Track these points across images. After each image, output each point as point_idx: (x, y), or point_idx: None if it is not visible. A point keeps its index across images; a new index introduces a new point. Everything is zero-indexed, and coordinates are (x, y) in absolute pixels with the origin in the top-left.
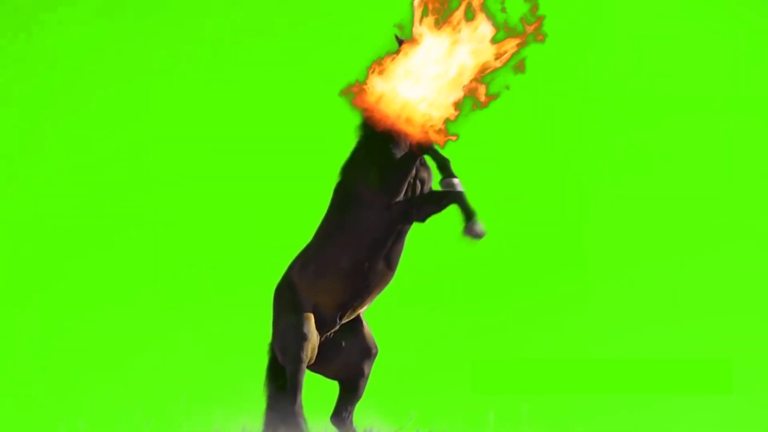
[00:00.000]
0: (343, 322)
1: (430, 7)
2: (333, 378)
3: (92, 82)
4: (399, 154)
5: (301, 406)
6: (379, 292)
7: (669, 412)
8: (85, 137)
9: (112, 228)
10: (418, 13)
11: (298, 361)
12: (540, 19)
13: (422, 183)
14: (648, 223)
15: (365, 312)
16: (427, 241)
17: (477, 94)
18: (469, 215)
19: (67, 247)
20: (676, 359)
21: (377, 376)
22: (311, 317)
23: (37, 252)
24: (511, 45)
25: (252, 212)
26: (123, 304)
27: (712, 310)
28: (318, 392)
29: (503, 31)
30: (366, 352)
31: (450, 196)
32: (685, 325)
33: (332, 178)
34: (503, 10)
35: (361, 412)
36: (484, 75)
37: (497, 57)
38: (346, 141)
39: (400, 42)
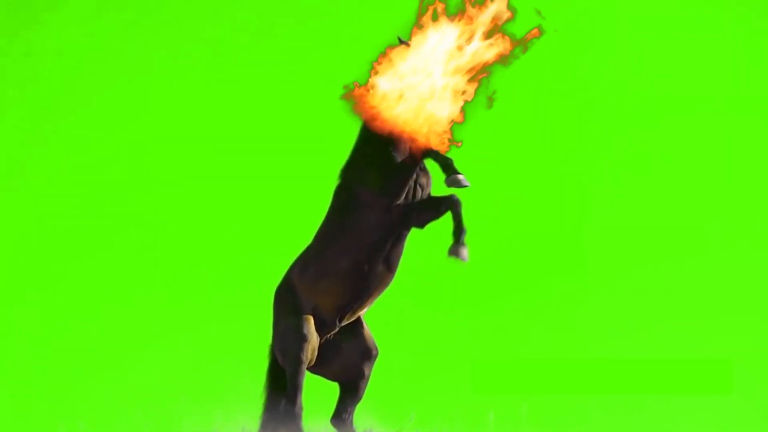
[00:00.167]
0: (343, 324)
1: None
2: (333, 379)
3: (92, 82)
4: (399, 156)
5: (301, 408)
6: (378, 295)
7: (669, 412)
8: (86, 138)
9: (112, 229)
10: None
11: (298, 362)
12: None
13: (422, 188)
14: (648, 224)
15: (365, 313)
16: (426, 241)
17: (477, 93)
18: (458, 232)
19: (67, 247)
20: (676, 359)
21: (377, 376)
22: (311, 319)
23: (38, 252)
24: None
25: (252, 214)
26: (123, 305)
27: (712, 310)
28: (318, 394)
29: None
30: (366, 353)
31: (448, 203)
32: (685, 326)
33: (332, 180)
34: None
35: (362, 413)
36: (481, 73)
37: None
38: (346, 143)
39: (403, 43)
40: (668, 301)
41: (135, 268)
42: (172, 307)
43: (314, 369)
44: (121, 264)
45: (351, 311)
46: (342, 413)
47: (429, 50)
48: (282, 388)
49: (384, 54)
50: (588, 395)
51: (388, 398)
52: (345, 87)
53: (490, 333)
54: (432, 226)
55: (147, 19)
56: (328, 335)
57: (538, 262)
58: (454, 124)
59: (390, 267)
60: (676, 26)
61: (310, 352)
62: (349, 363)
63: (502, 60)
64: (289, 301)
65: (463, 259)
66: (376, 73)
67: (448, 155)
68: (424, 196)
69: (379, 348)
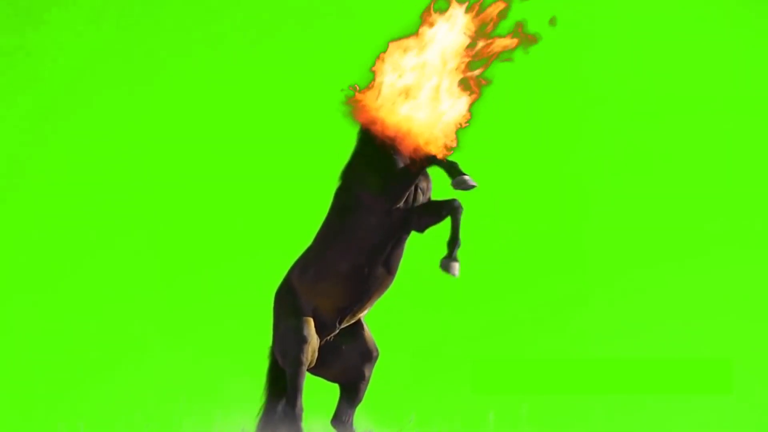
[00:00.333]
0: (343, 326)
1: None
2: (333, 381)
3: (93, 82)
4: (400, 158)
5: (301, 409)
6: (378, 297)
7: (669, 412)
8: (86, 138)
9: (112, 229)
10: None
11: (298, 364)
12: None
13: (422, 192)
14: (648, 224)
15: (366, 315)
16: (427, 242)
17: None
18: (453, 243)
19: (67, 247)
20: (676, 359)
21: (377, 377)
22: (311, 321)
23: (38, 252)
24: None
25: (253, 215)
26: (123, 305)
27: (712, 310)
28: (318, 395)
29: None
30: (366, 355)
31: (449, 208)
32: (685, 326)
33: (333, 182)
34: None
35: (362, 414)
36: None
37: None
38: (347, 144)
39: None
40: (668, 301)
41: (135, 268)
42: (173, 308)
43: (314, 370)
44: (121, 264)
45: (351, 313)
46: (342, 415)
47: (431, 49)
48: (282, 390)
49: (381, 58)
50: (588, 395)
51: (387, 399)
52: (344, 91)
53: (490, 333)
54: (432, 228)
55: (147, 20)
56: (329, 337)
57: (538, 262)
58: (457, 128)
59: (390, 270)
60: (676, 26)
61: (310, 354)
62: (350, 365)
63: (505, 55)
64: (289, 303)
65: (453, 275)
66: (376, 75)
67: (450, 158)
68: (425, 201)
69: (379, 349)
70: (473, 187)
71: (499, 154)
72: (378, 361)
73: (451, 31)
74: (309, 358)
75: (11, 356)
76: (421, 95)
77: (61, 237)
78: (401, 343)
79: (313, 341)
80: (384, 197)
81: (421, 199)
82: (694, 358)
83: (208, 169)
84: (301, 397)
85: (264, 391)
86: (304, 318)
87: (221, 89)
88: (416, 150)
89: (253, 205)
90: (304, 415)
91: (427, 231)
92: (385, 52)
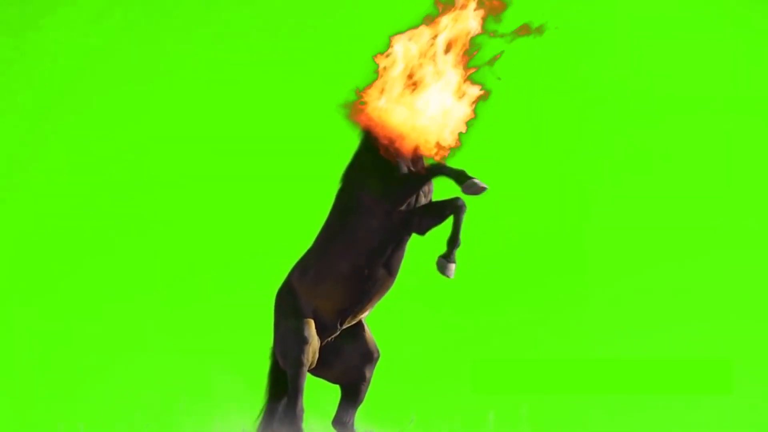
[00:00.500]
0: (344, 327)
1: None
2: (334, 382)
3: (93, 82)
4: (403, 161)
5: (302, 410)
6: (379, 299)
7: (669, 412)
8: (86, 138)
9: (113, 230)
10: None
11: (299, 364)
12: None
13: (424, 195)
14: (648, 225)
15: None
16: (427, 243)
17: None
18: (453, 243)
19: (67, 248)
20: (676, 359)
21: (378, 378)
22: (311, 322)
23: (38, 253)
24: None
25: (254, 217)
26: (124, 306)
27: (712, 310)
28: (319, 396)
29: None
30: (367, 356)
31: (452, 207)
32: (685, 326)
33: (334, 184)
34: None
35: (362, 415)
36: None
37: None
38: (348, 146)
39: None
40: (668, 301)
41: (135, 269)
42: (173, 308)
43: (315, 371)
44: (121, 265)
45: (351, 315)
46: (343, 416)
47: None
48: (283, 391)
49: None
50: (588, 395)
51: (388, 400)
52: (353, 92)
53: (490, 333)
54: (433, 229)
55: (147, 21)
56: (329, 338)
57: (538, 262)
58: (461, 129)
59: (390, 271)
60: (677, 26)
61: (310, 355)
62: (350, 366)
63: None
64: (289, 304)
65: (447, 276)
66: (374, 86)
67: (452, 163)
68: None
69: (380, 350)
70: (484, 189)
71: (499, 155)
72: (379, 362)
73: (456, 24)
74: (310, 359)
75: (11, 356)
76: (424, 93)
77: (61, 237)
78: (402, 343)
79: (314, 342)
80: (385, 200)
81: (422, 201)
82: (694, 358)
83: (209, 169)
84: (301, 397)
85: (265, 392)
86: (305, 319)
87: (222, 90)
88: (417, 150)
89: (254, 206)
90: (304, 416)
91: (429, 234)
92: (391, 43)
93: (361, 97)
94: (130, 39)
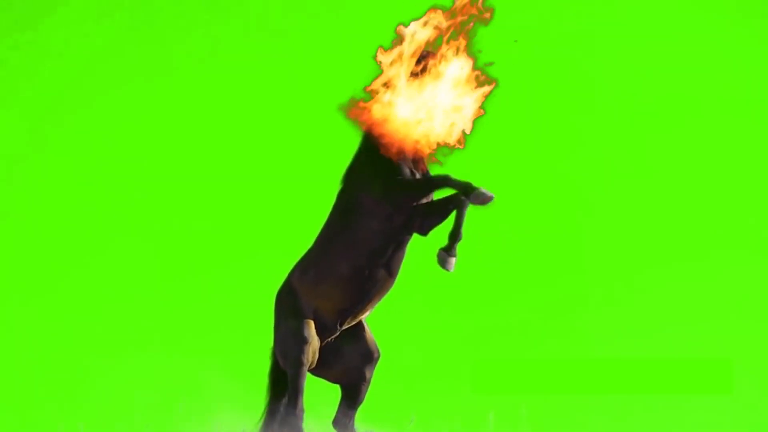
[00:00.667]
0: (344, 327)
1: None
2: (335, 382)
3: (93, 82)
4: (405, 163)
5: (302, 410)
6: (379, 299)
7: (669, 412)
8: (87, 138)
9: (113, 230)
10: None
11: (299, 364)
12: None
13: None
14: (648, 225)
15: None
16: (428, 243)
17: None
18: (454, 236)
19: (67, 248)
20: (676, 359)
21: (378, 378)
22: (311, 322)
23: (38, 253)
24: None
25: (254, 217)
26: (124, 306)
27: (712, 310)
28: (319, 396)
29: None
30: (367, 356)
31: (456, 202)
32: (685, 326)
33: (335, 184)
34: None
35: (362, 415)
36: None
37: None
38: (349, 146)
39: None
40: (668, 302)
41: (136, 269)
42: (173, 309)
43: (315, 371)
44: (121, 265)
45: (352, 315)
46: (343, 416)
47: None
48: (283, 391)
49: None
50: (588, 395)
51: (388, 400)
52: (346, 103)
53: (490, 333)
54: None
55: (148, 20)
56: (330, 339)
57: (539, 262)
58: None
59: (391, 272)
60: (677, 26)
61: (311, 355)
62: (351, 366)
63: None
64: (289, 304)
65: (447, 269)
66: (376, 89)
67: (450, 160)
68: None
69: (380, 350)
70: (492, 198)
71: (499, 155)
72: (379, 362)
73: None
74: (310, 359)
75: (11, 356)
76: (430, 87)
77: (61, 237)
78: (402, 343)
79: (314, 342)
80: (385, 202)
81: (422, 200)
82: (694, 358)
83: (209, 169)
84: (302, 398)
85: (266, 392)
86: (305, 319)
87: (222, 91)
88: (417, 149)
89: (255, 207)
90: (305, 416)
91: (429, 234)
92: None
93: (367, 93)
94: (131, 39)
